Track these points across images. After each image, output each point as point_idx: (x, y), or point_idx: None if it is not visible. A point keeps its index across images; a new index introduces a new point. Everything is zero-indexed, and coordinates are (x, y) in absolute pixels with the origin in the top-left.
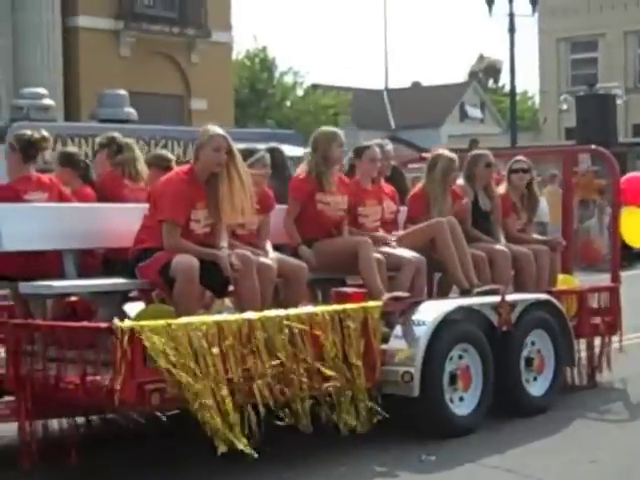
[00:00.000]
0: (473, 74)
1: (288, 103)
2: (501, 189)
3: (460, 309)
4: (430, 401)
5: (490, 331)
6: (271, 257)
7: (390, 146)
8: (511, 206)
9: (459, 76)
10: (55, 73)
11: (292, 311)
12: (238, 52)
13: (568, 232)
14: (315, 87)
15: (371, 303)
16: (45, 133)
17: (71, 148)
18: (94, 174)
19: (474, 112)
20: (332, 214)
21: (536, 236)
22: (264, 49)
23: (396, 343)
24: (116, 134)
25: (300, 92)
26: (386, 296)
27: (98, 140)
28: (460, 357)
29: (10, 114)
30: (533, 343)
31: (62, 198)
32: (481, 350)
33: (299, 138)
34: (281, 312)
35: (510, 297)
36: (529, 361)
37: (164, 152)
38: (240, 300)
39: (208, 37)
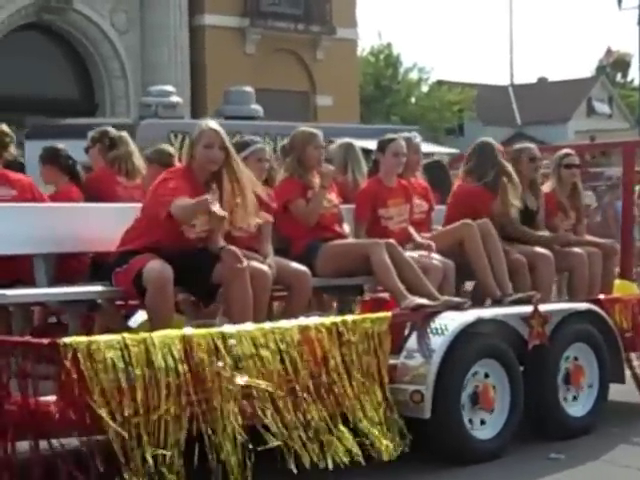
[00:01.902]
0: (601, 68)
1: (413, 99)
2: (546, 187)
3: (481, 321)
4: (444, 424)
5: (520, 345)
6: (269, 262)
7: (419, 139)
8: (557, 205)
9: (586, 70)
10: (182, 71)
11: (275, 324)
12: (363, 49)
13: (627, 234)
14: (440, 83)
15: (378, 314)
16: (4, 127)
17: (56, 143)
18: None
19: (602, 107)
20: (324, 211)
21: (589, 237)
22: (389, 45)
23: (408, 358)
24: (109, 128)
25: (425, 88)
26: (410, 301)
27: (90, 134)
28: (483, 375)
29: (138, 112)
30: (573, 358)
31: (36, 199)
32: (508, 366)
33: (424, 135)
34: (264, 325)
35: (544, 307)
36: (567, 378)
37: (166, 146)
38: (229, 310)
39: (333, 34)
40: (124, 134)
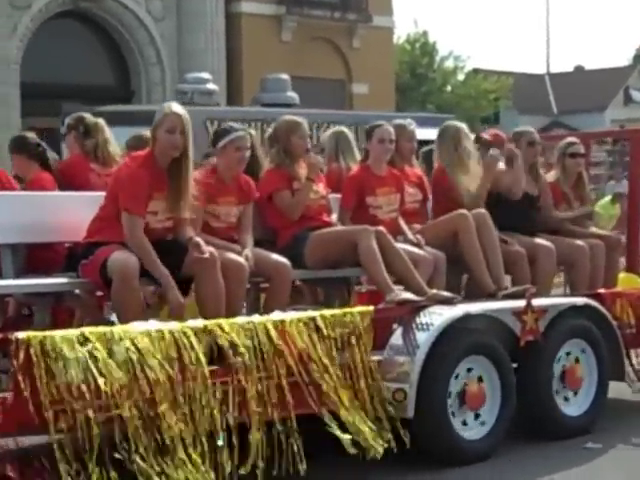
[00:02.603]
0: (638, 57)
1: (449, 88)
2: (549, 176)
3: (469, 316)
4: (429, 424)
5: (512, 341)
6: (247, 253)
7: (414, 126)
8: (561, 195)
9: (623, 59)
10: (218, 58)
11: (248, 318)
12: (399, 37)
13: (634, 225)
14: (476, 72)
15: (360, 308)
16: None
17: (25, 132)
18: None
19: (639, 96)
20: (311, 203)
21: (593, 229)
22: (425, 34)
23: (392, 354)
24: (85, 114)
25: (461, 77)
26: (396, 294)
27: (66, 121)
28: (472, 372)
29: (175, 99)
30: (570, 355)
31: (5, 187)
32: (499, 364)
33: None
34: (237, 319)
35: (538, 302)
36: (564, 376)
37: (144, 132)
38: (201, 303)
39: (369, 22)
40: (100, 121)
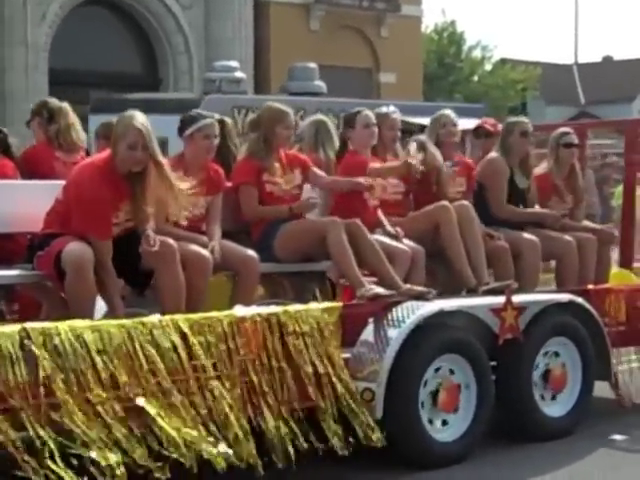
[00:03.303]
0: None
1: (476, 78)
2: (541, 168)
3: (443, 313)
4: (400, 425)
5: (490, 339)
6: (213, 245)
7: (397, 114)
8: (552, 187)
9: None
10: (246, 47)
11: (205, 314)
12: (426, 26)
13: (628, 218)
14: (503, 61)
15: (327, 303)
16: None
17: None
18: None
19: None
20: (283, 194)
21: (586, 223)
22: (452, 23)
23: (362, 352)
24: (49, 99)
25: (488, 66)
26: (367, 289)
27: (31, 107)
28: (447, 371)
29: (203, 87)
30: (554, 354)
31: None
32: (475, 363)
33: (489, 112)
34: (192, 315)
35: (519, 298)
36: (547, 375)
37: (114, 120)
38: (160, 297)
39: (397, 11)
40: (65, 105)
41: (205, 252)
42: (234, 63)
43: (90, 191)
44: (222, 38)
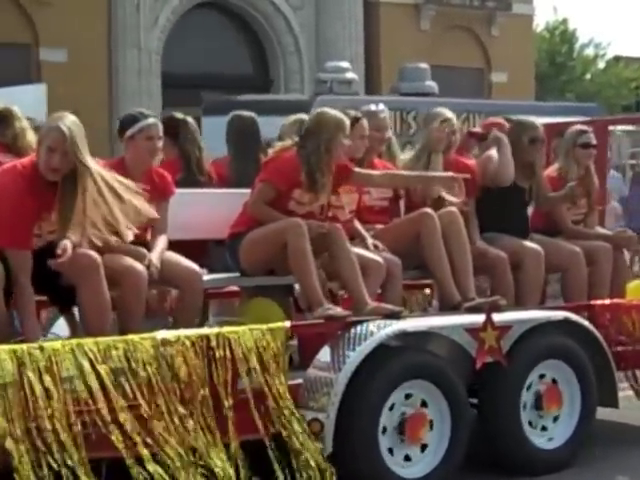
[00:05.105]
0: None
1: (588, 76)
2: (552, 170)
3: (406, 334)
4: (355, 461)
5: (469, 364)
6: (151, 258)
7: (385, 113)
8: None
9: None
10: (356, 47)
11: (125, 337)
12: (537, 24)
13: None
14: (617, 59)
15: (271, 324)
16: None
17: None
18: None
19: None
20: (304, 213)
21: (600, 229)
22: (564, 21)
23: (312, 379)
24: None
25: (601, 65)
26: (324, 309)
27: None
28: (412, 399)
29: (314, 88)
30: (547, 378)
31: None
32: (447, 390)
33: (602, 111)
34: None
35: (502, 316)
36: (539, 403)
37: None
38: (81, 316)
39: (509, 10)
40: (15, 108)
41: (139, 266)
42: (345, 64)
43: (9, 197)
44: (332, 38)
